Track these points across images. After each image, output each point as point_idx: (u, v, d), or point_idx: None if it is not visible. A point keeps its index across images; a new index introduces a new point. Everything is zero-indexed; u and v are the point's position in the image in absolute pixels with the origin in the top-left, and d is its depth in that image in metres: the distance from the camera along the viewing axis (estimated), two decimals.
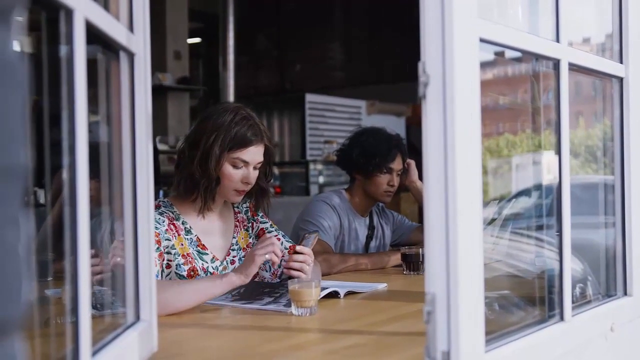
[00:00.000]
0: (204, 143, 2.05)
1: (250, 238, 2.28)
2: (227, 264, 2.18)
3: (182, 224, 2.11)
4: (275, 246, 1.92)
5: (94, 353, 1.03)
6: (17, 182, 0.53)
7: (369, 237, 3.02)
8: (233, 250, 2.22)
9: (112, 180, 1.31)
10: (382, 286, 2.26)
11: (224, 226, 2.23)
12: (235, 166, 2.08)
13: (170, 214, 2.11)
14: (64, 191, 1.02)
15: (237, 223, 2.27)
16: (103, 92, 1.29)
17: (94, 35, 1.06)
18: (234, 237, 2.23)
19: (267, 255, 1.89)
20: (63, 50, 0.96)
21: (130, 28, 1.29)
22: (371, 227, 3.03)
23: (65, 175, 0.96)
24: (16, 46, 0.54)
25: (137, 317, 1.31)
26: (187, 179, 2.09)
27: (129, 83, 1.30)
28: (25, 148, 0.54)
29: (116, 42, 1.19)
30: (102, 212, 1.34)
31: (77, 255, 0.95)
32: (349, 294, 2.09)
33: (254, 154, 2.10)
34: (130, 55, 1.29)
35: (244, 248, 2.25)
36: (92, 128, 1.03)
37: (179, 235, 2.08)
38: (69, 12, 0.95)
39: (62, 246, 0.98)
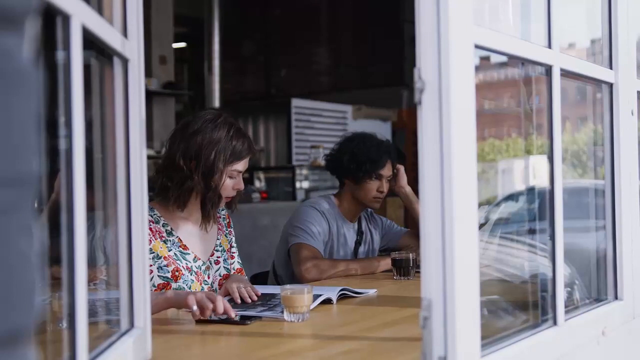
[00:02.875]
0: (205, 158, 2.11)
1: (228, 243, 2.37)
2: (210, 263, 2.25)
3: (163, 226, 2.17)
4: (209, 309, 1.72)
5: None
6: (30, 191, 0.53)
7: (358, 243, 3.02)
8: (217, 250, 2.30)
9: (105, 186, 1.30)
10: (372, 292, 2.26)
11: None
12: (231, 177, 2.18)
13: (150, 217, 2.13)
14: (51, 197, 1.02)
15: (220, 226, 2.35)
16: (96, 97, 1.28)
17: (89, 41, 1.05)
18: (218, 239, 2.31)
19: (194, 307, 1.70)
20: (59, 55, 0.96)
21: (124, 34, 1.28)
22: (360, 233, 3.03)
23: (62, 180, 0.95)
24: (28, 53, 0.54)
25: (132, 324, 1.30)
26: (186, 193, 2.13)
27: (122, 89, 1.29)
28: (37, 156, 0.54)
29: (111, 47, 1.18)
30: (92, 216, 1.32)
31: (74, 263, 0.95)
32: (342, 297, 2.08)
33: (246, 163, 2.22)
34: (125, 61, 1.28)
35: (226, 250, 2.33)
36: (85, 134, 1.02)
37: (159, 237, 2.13)
38: (66, 18, 0.94)
39: (52, 252, 0.97)
